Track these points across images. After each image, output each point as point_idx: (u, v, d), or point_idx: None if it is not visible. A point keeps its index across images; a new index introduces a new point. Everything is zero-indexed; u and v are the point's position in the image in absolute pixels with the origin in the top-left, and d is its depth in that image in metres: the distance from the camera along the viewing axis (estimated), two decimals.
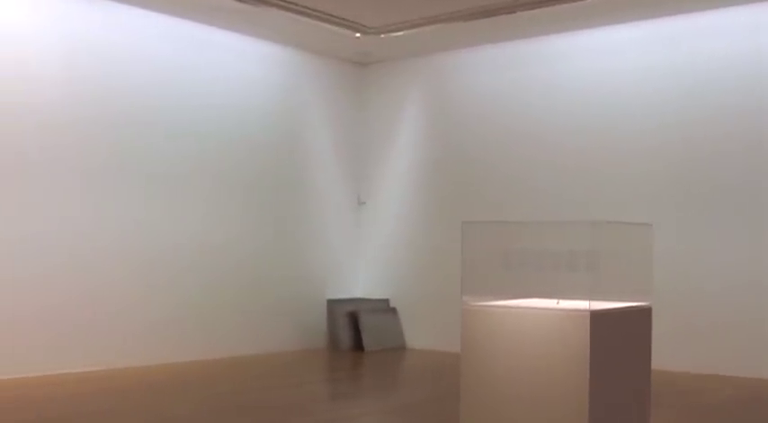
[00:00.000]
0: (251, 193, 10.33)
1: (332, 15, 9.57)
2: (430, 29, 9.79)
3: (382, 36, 10.08)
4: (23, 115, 8.25)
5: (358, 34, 10.05)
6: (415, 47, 10.80)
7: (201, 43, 9.83)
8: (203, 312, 9.65)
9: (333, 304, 10.77)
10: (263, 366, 9.40)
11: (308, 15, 9.44)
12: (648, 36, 9.50)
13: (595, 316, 4.91)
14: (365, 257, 11.51)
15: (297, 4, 9.12)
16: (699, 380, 8.56)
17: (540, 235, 5.80)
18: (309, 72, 11.06)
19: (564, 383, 4.99)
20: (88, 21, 8.81)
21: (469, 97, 10.82)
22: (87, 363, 8.46)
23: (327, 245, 11.17)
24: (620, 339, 5.23)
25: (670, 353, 8.30)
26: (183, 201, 9.57)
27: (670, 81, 9.32)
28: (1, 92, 8.09)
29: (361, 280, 11.49)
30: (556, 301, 5.61)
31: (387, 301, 11.21)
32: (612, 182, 9.61)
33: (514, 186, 10.27)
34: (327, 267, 11.15)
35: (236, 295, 10.01)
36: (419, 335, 10.95)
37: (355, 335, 10.61)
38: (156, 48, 9.39)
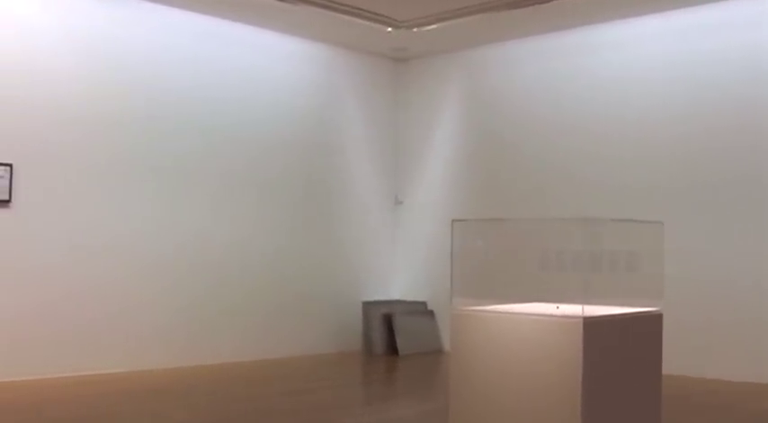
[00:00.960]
0: (284, 194, 10.13)
1: (362, 9, 9.30)
2: (463, 21, 9.44)
3: (414, 30, 9.77)
4: (38, 111, 8.17)
5: (389, 29, 9.77)
6: (451, 41, 10.46)
7: (227, 40, 9.67)
8: (234, 313, 9.51)
9: (368, 306, 10.50)
10: (295, 369, 9.20)
11: (337, 10, 9.20)
12: (690, 24, 8.99)
13: (589, 324, 4.54)
14: (403, 259, 11.21)
15: None
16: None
17: (530, 233, 5.43)
18: (343, 68, 10.81)
19: (555, 393, 4.64)
20: (110, 18, 8.72)
21: (508, 92, 10.43)
22: (96, 365, 8.34)
23: (363, 246, 10.91)
24: (620, 347, 4.84)
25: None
26: (213, 200, 9.43)
27: (719, 68, 8.78)
28: (13, 87, 8.03)
29: (398, 282, 11.20)
30: (556, 305, 5.25)
31: (424, 303, 10.88)
32: (659, 173, 9.11)
33: (557, 183, 9.83)
34: (364, 269, 10.88)
35: (268, 296, 9.83)
36: None
37: (390, 338, 10.32)
38: (182, 46, 9.26)
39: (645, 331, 5.12)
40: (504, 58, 10.50)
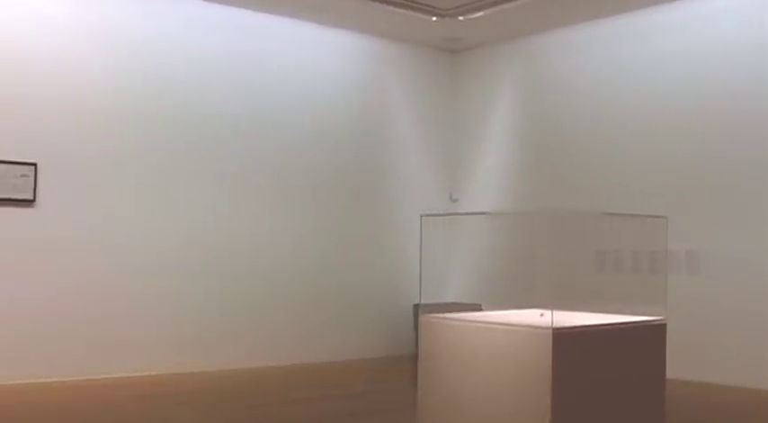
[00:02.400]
0: (334, 194, 9.80)
1: None
2: (510, 7, 8.90)
3: (460, 18, 9.28)
4: (63, 110, 8.07)
5: (434, 17, 9.30)
6: (506, 30, 9.91)
7: (268, 35, 9.39)
8: (282, 317, 9.25)
9: (420, 310, 10.03)
10: (347, 373, 8.94)
11: (380, 0, 8.80)
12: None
13: (560, 335, 4.02)
14: (459, 259, 10.70)
15: None
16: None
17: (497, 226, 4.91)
18: (394, 62, 10.40)
19: (524, 407, 4.15)
20: (141, 14, 8.57)
21: (568, 82, 9.79)
22: (124, 367, 8.17)
23: (417, 246, 10.42)
24: (603, 359, 4.29)
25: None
26: (256, 202, 9.20)
27: None
28: (37, 86, 7.94)
29: (453, 283, 10.70)
30: (540, 313, 4.75)
31: (479, 306, 10.34)
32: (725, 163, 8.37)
33: (621, 177, 9.14)
34: (417, 270, 10.40)
35: (318, 299, 9.55)
36: None
37: None
38: (222, 41, 9.03)
39: (641, 342, 4.54)
40: (560, 46, 9.87)
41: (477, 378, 4.32)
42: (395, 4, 8.93)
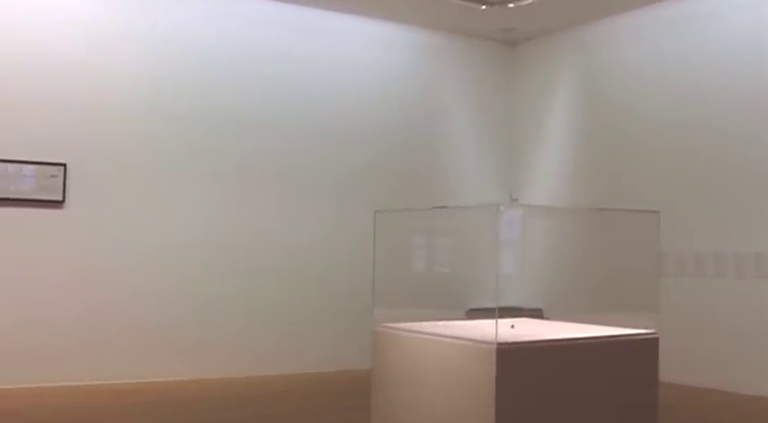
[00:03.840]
0: (386, 193, 9.42)
1: None
2: None
3: (510, 6, 8.77)
4: (93, 110, 7.98)
5: (483, 6, 8.82)
6: (561, 18, 9.35)
7: (315, 31, 9.11)
8: (322, 320, 8.94)
9: (474, 314, 9.54)
10: None
11: None
12: None
13: (506, 351, 3.55)
14: (520, 259, 10.14)
15: None
16: None
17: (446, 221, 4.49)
18: (447, 55, 9.96)
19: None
20: (180, 12, 8.43)
21: (629, 71, 9.13)
22: (150, 372, 8.00)
23: (473, 248, 9.96)
24: (562, 377, 3.78)
25: None
26: (301, 203, 8.94)
27: None
28: (67, 86, 7.87)
29: (512, 287, 10.13)
30: (510, 324, 4.28)
31: (539, 311, 9.76)
32: None
33: (690, 173, 8.45)
34: (471, 273, 9.94)
35: (366, 302, 9.16)
36: None
37: None
38: (260, 37, 8.81)
39: (618, 359, 4.00)
40: (620, 33, 9.21)
41: (425, 392, 3.91)
42: None
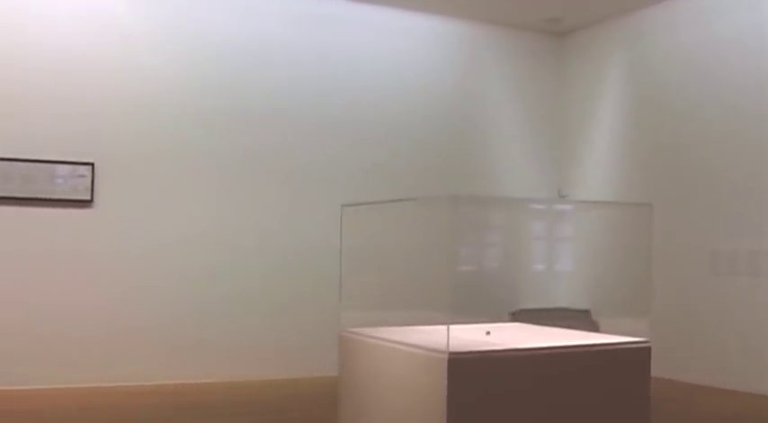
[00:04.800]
0: (428, 190, 9.14)
1: None
2: None
3: None
4: (121, 109, 7.94)
5: None
6: (609, 6, 8.91)
7: (350, 23, 8.91)
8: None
9: (519, 316, 9.19)
10: None
11: None
12: None
13: (458, 361, 3.28)
14: (567, 261, 9.73)
15: None
16: None
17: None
18: (489, 47, 9.63)
19: None
20: (213, 7, 8.34)
21: (683, 60, 8.63)
22: (184, 374, 7.91)
23: (521, 247, 9.60)
24: (535, 391, 3.47)
25: None
26: (338, 202, 8.71)
27: None
28: (95, 85, 7.84)
29: (560, 287, 9.74)
30: (486, 331, 3.99)
31: (587, 312, 9.36)
32: None
33: (753, 168, 7.95)
34: (520, 272, 9.58)
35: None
36: None
37: None
38: (300, 32, 8.66)
39: (607, 371, 3.66)
40: (671, 20, 8.73)
41: (383, 401, 3.67)
42: None
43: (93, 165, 7.74)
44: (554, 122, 9.93)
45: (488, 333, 4.01)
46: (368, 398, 3.83)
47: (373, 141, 8.92)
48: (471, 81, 9.51)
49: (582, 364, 3.57)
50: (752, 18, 7.88)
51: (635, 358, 3.65)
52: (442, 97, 9.36)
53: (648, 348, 3.61)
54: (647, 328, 3.57)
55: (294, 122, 8.57)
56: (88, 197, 7.72)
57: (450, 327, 3.85)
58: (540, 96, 9.88)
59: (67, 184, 7.66)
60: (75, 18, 7.80)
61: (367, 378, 3.85)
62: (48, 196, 7.60)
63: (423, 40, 9.27)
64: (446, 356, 3.29)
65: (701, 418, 6.72)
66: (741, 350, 7.82)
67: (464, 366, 3.30)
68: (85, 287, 7.64)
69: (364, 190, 8.69)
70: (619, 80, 9.28)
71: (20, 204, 7.51)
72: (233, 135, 8.32)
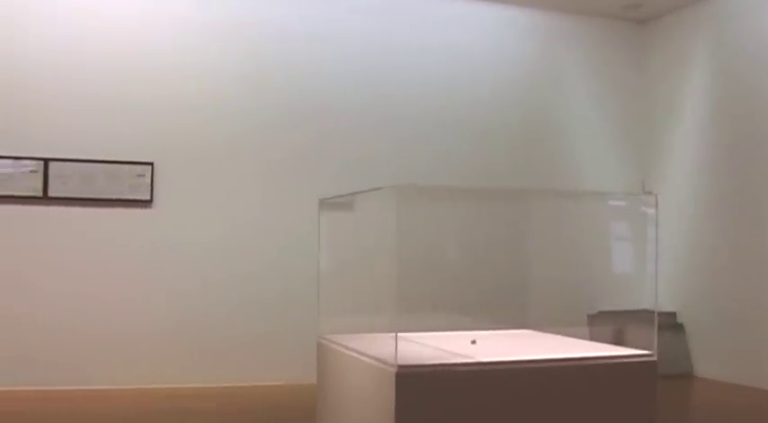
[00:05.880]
0: (504, 183, 8.81)
1: None
2: None
3: None
4: (181, 109, 7.91)
5: None
6: None
7: (428, 16, 8.67)
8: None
9: (599, 318, 8.76)
10: None
11: None
12: None
13: (407, 376, 3.00)
14: (652, 260, 9.16)
15: None
16: None
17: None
18: (565, 37, 9.19)
19: None
20: (271, 4, 8.22)
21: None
22: (244, 375, 7.81)
23: (599, 245, 9.12)
24: (501, 411, 3.15)
25: None
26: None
27: None
28: (154, 85, 7.83)
29: (643, 289, 9.18)
30: (471, 340, 3.68)
31: (673, 314, 8.83)
32: None
33: None
34: (598, 274, 9.09)
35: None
36: (712, 360, 8.40)
37: None
38: (366, 23, 8.46)
39: (598, 389, 3.31)
40: (761, 1, 8.09)
41: (347, 411, 3.42)
42: None
43: (152, 164, 7.74)
44: (634, 114, 9.40)
45: (474, 342, 3.71)
46: (336, 407, 3.61)
47: (440, 134, 8.62)
48: (544, 72, 9.09)
49: (565, 380, 3.18)
50: None
51: (633, 375, 3.23)
52: (513, 90, 8.99)
53: (653, 363, 3.17)
54: (653, 339, 3.16)
55: (357, 116, 8.37)
56: (148, 197, 7.72)
57: (440, 334, 3.58)
58: (619, 88, 9.37)
59: (127, 184, 7.68)
60: (134, 17, 7.82)
61: (335, 387, 3.63)
62: (109, 197, 7.64)
63: (493, 30, 8.93)
64: (394, 370, 3.00)
65: None
66: None
67: (413, 381, 2.99)
68: (145, 286, 7.64)
69: (430, 183, 8.43)
70: (703, 68, 8.69)
71: (81, 205, 7.57)
72: (292, 131, 8.18)
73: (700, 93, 8.72)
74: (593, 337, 8.41)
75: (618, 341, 8.21)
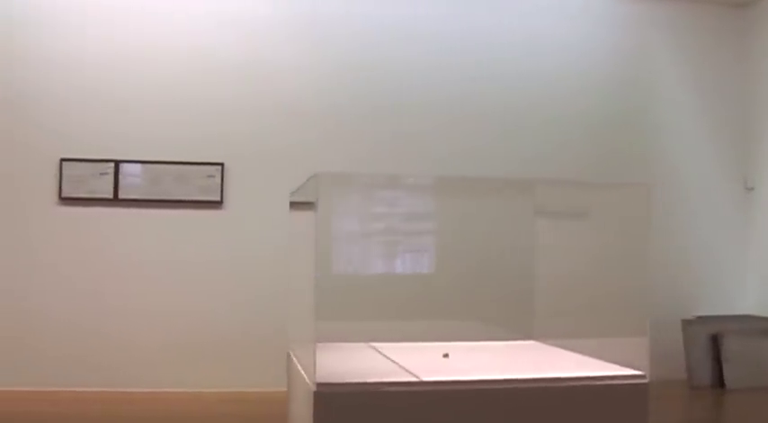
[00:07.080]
0: (592, 178, 8.35)
1: None
2: None
3: None
4: (252, 108, 7.78)
5: None
6: None
7: (502, 2, 8.28)
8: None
9: (693, 324, 8.16)
10: None
11: None
12: None
13: (327, 397, 2.72)
14: (754, 261, 8.48)
15: None
16: None
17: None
18: (660, 25, 8.60)
19: None
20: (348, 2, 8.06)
21: None
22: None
23: (699, 245, 8.51)
24: None
25: None
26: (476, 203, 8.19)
27: None
28: (226, 84, 7.75)
29: (748, 292, 8.50)
30: (444, 353, 3.36)
31: (766, 321, 8.14)
32: None
33: None
34: (697, 275, 8.48)
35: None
36: None
37: (717, 366, 7.90)
38: (451, 15, 8.15)
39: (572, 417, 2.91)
40: None
41: None
42: None
43: (222, 165, 7.69)
44: (738, 104, 8.70)
45: (446, 355, 3.37)
46: (294, 420, 3.37)
47: (528, 132, 8.23)
48: (638, 64, 8.53)
49: (524, 405, 2.78)
50: None
51: (618, 399, 2.79)
52: (612, 81, 8.47)
53: (644, 386, 2.71)
54: (645, 356, 2.74)
55: (442, 112, 8.04)
56: (218, 198, 7.68)
57: (421, 345, 3.30)
58: (721, 75, 8.69)
59: (197, 185, 7.66)
60: (203, 17, 7.77)
61: (291, 399, 3.39)
62: (180, 198, 7.63)
63: (582, 21, 8.45)
64: (313, 388, 2.70)
65: None
66: None
67: (332, 402, 2.68)
68: (215, 287, 7.58)
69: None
70: None
71: (151, 206, 7.60)
72: (369, 131, 7.96)
73: None
74: (689, 338, 7.86)
75: (716, 340, 7.67)
